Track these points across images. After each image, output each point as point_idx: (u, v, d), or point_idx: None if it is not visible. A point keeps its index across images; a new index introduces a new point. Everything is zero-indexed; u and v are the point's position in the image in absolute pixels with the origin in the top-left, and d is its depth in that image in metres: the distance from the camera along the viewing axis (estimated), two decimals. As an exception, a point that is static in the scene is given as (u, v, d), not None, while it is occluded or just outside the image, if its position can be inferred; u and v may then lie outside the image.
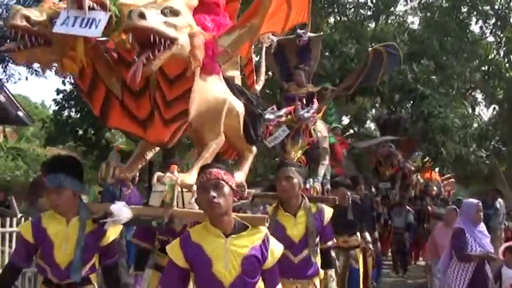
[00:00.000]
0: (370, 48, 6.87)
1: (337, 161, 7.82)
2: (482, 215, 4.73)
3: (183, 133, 2.66)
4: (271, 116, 5.02)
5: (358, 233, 5.22)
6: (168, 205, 2.47)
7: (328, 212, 3.26)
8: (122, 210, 2.39)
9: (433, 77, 9.96)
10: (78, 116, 11.53)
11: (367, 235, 5.40)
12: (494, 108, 15.41)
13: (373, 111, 15.52)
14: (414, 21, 12.48)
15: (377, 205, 7.79)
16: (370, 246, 5.41)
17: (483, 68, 13.15)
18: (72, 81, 10.40)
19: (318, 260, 3.21)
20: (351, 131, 16.80)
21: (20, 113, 10.06)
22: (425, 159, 11.13)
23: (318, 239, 3.18)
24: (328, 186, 5.76)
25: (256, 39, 3.30)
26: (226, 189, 2.15)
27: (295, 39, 5.84)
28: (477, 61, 11.19)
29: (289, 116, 5.21)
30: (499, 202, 10.52)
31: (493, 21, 12.27)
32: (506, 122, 14.37)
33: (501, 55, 12.26)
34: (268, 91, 10.15)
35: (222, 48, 2.47)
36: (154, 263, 3.49)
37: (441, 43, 10.51)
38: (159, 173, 2.59)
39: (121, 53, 2.43)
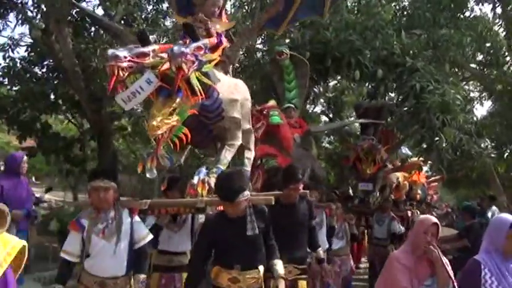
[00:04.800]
0: None
1: (283, 149, 5.88)
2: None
3: None
4: (123, 53, 2.91)
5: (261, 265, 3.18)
6: None
7: None
8: None
9: (425, 52, 8.01)
10: (13, 94, 9.91)
11: (280, 266, 3.21)
12: (494, 99, 13.66)
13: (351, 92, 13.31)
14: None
15: (330, 212, 5.78)
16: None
17: (479, 58, 11.49)
18: (10, 54, 9.39)
19: None
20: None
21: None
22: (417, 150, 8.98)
23: None
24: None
25: None
26: None
27: None
28: (473, 46, 9.37)
29: (163, 58, 3.11)
30: (493, 211, 8.85)
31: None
32: (504, 118, 12.70)
33: (501, 36, 10.44)
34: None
35: None
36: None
37: (434, 16, 8.69)
38: None
39: None
